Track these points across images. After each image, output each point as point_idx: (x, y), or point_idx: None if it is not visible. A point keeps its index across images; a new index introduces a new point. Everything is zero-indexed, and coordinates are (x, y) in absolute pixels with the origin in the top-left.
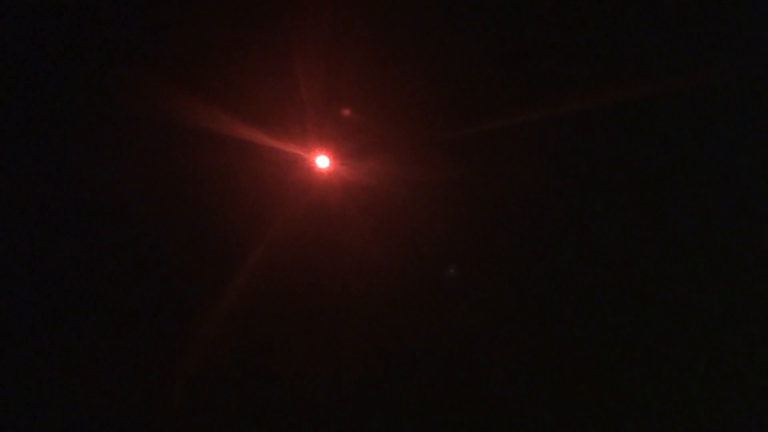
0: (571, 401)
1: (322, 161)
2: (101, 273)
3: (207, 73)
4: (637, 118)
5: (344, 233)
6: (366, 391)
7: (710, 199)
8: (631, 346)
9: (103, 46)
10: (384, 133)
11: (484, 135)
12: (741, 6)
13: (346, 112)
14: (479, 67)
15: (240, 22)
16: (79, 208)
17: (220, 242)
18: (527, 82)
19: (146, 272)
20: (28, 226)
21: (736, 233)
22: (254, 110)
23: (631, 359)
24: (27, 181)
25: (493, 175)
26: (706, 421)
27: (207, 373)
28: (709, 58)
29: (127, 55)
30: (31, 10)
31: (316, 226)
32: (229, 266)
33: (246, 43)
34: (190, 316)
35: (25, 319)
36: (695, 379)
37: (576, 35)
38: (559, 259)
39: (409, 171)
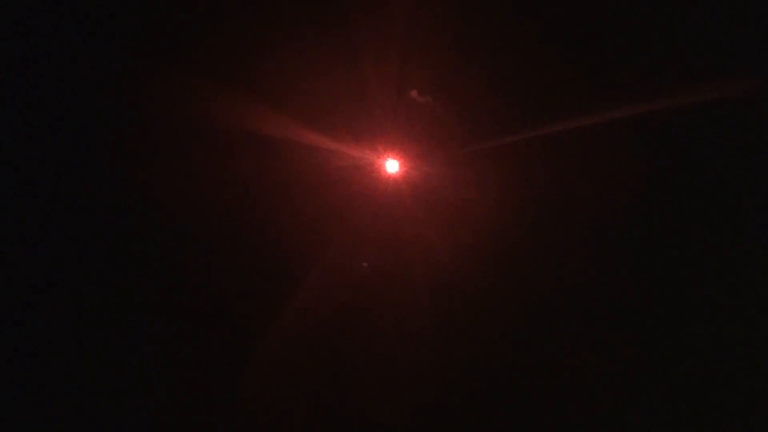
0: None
1: (392, 165)
2: (177, 274)
3: (278, 79)
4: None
5: (413, 237)
6: (428, 397)
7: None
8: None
9: (176, 56)
10: (453, 137)
11: (553, 138)
12: None
13: (415, 116)
14: (550, 71)
15: (311, 25)
16: (158, 208)
17: (291, 247)
18: (601, 85)
19: (218, 275)
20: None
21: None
22: (324, 115)
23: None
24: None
25: (561, 179)
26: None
27: (273, 381)
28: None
29: (197, 63)
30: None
31: (385, 230)
32: (299, 271)
33: (317, 48)
34: (263, 318)
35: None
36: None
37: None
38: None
39: (478, 175)
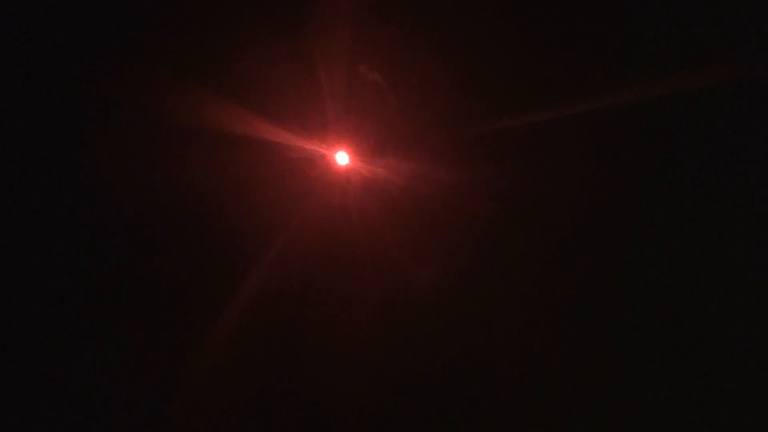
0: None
1: (342, 158)
2: (119, 272)
3: (225, 70)
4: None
5: (363, 230)
6: (378, 391)
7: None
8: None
9: (123, 45)
10: (404, 130)
11: (505, 133)
12: None
13: (366, 108)
14: (502, 64)
15: (260, 18)
16: (98, 208)
17: (239, 239)
18: (551, 80)
19: (164, 271)
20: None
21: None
22: (273, 107)
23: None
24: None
25: (514, 173)
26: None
27: (221, 373)
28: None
29: (143, 54)
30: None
31: (335, 222)
32: (248, 263)
33: (265, 39)
34: (207, 315)
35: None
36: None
37: (599, 31)
38: (577, 259)
39: (429, 168)
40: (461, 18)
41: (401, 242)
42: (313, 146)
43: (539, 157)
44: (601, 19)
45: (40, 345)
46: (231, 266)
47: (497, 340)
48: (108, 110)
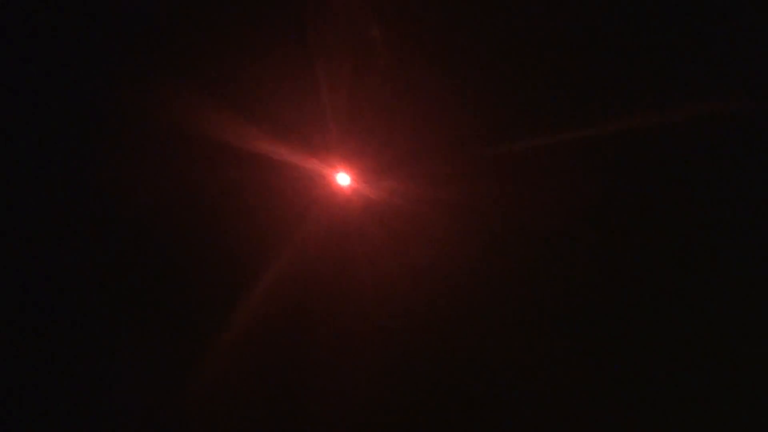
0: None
1: (343, 178)
2: (114, 289)
3: (226, 85)
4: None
5: (364, 252)
6: (381, 415)
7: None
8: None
9: (125, 54)
10: (407, 151)
11: (512, 155)
12: None
13: (369, 128)
14: (510, 84)
15: (262, 32)
16: (95, 215)
17: (237, 258)
18: (559, 102)
19: (160, 288)
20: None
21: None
22: (273, 124)
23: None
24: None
25: (519, 196)
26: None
27: (218, 395)
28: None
29: (145, 64)
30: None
31: (335, 244)
32: (245, 283)
33: (269, 54)
34: (203, 335)
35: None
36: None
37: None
38: (583, 279)
39: (432, 190)
40: (471, 36)
41: (403, 264)
42: (314, 165)
43: (547, 178)
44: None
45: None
46: (228, 286)
47: (498, 362)
48: (108, 119)
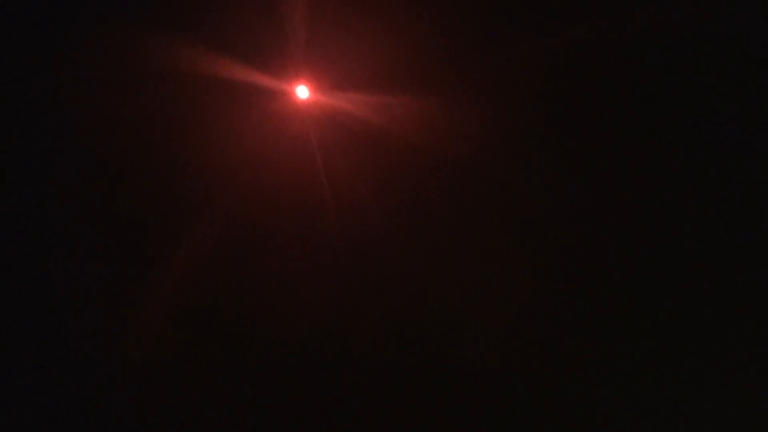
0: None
1: (302, 92)
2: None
3: (182, 5)
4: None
5: (323, 165)
6: (343, 332)
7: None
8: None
9: None
10: (367, 64)
11: (474, 66)
12: None
13: (328, 41)
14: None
15: None
16: (64, 145)
17: (197, 174)
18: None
19: (124, 208)
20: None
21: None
22: (232, 40)
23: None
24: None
25: (482, 107)
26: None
27: (181, 312)
28: None
29: None
30: None
31: (295, 157)
32: (205, 200)
33: None
34: (166, 254)
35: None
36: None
37: None
38: (542, 198)
39: (392, 102)
40: None
41: (363, 179)
42: (272, 80)
43: (509, 90)
44: None
45: None
46: (188, 203)
47: (458, 284)
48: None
